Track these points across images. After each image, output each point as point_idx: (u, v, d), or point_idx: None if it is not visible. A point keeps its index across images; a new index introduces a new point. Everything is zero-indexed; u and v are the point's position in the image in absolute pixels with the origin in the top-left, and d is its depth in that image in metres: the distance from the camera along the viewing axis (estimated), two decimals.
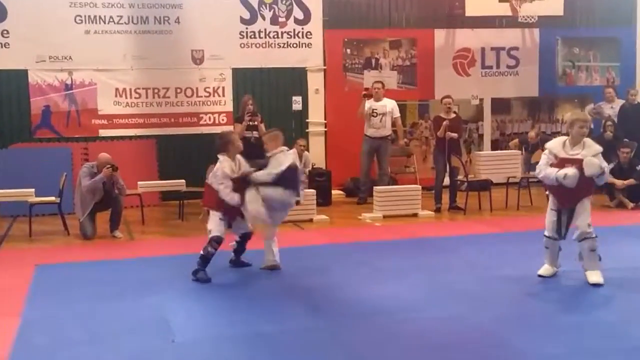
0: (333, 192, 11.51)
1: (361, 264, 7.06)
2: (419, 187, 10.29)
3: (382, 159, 11.09)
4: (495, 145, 13.21)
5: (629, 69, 13.68)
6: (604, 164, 6.10)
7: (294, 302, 5.83)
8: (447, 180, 10.52)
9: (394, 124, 11.22)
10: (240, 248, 6.93)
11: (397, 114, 11.26)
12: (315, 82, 12.45)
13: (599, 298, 5.75)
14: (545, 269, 6.44)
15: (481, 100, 13.21)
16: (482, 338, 4.84)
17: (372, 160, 11.22)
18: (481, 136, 13.17)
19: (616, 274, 6.28)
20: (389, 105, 11.15)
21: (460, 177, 10.61)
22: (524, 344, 4.65)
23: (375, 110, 11.07)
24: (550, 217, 6.37)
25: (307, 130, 12.39)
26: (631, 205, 10.39)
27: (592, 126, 13.68)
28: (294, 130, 12.21)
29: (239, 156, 6.80)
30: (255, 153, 10.41)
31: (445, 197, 10.53)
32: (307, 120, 12.43)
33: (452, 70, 13.02)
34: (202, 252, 6.48)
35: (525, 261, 6.87)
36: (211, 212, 6.69)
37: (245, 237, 6.89)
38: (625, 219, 9.46)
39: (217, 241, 6.51)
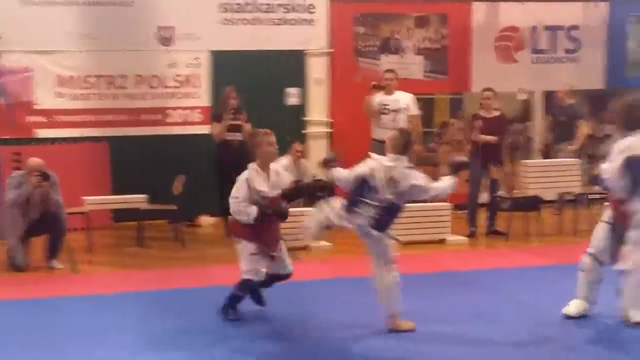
0: None
1: (371, 307, 6.99)
2: (449, 205, 10.26)
3: None
4: (547, 151, 13.16)
5: None
6: None
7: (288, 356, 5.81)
8: (485, 197, 10.46)
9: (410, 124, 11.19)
10: (267, 282, 6.83)
11: (416, 111, 11.11)
12: (317, 70, 12.47)
13: None
14: (574, 305, 6.41)
15: (531, 94, 13.19)
16: None
17: None
18: (529, 140, 13.10)
19: None
20: (404, 99, 11.01)
21: (501, 192, 10.58)
22: None
23: (386, 107, 10.93)
24: (601, 231, 6.33)
25: (305, 132, 12.38)
26: None
27: None
28: (289, 131, 12.12)
29: (275, 165, 6.73)
30: (239, 160, 10.51)
31: (482, 218, 10.47)
32: (305, 118, 12.41)
33: (494, 56, 13.03)
34: (232, 291, 6.59)
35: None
36: (240, 244, 6.58)
37: (278, 278, 6.84)
38: None
39: (247, 286, 6.56)
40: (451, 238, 10.03)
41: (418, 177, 6.12)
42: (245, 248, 6.48)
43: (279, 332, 6.41)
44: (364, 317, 6.69)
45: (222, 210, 10.78)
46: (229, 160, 10.43)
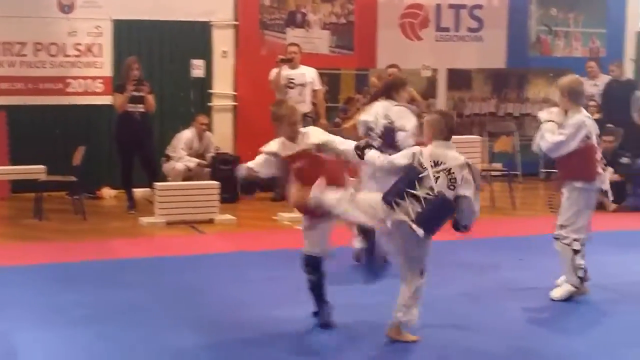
0: None
1: (273, 280, 7.04)
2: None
3: None
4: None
5: (616, 38, 14.09)
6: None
7: (183, 325, 5.80)
8: None
9: (313, 98, 11.26)
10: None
11: (319, 85, 11.32)
12: (222, 42, 12.33)
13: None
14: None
15: (434, 71, 13.36)
16: None
17: None
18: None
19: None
20: (309, 74, 11.13)
21: None
22: None
23: (292, 81, 11.01)
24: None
25: (210, 104, 12.27)
26: (613, 206, 10.65)
27: None
28: (193, 103, 12.11)
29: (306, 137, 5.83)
30: (140, 132, 10.38)
31: None
32: (210, 91, 12.30)
33: (399, 33, 13.12)
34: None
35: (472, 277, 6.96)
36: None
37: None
38: (606, 224, 9.72)
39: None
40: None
41: (470, 180, 5.22)
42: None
43: (179, 302, 6.39)
44: (262, 289, 6.74)
45: (124, 182, 10.65)
46: (129, 132, 10.31)
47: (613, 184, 10.56)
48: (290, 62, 11.00)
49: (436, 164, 5.13)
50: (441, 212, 5.20)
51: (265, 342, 5.51)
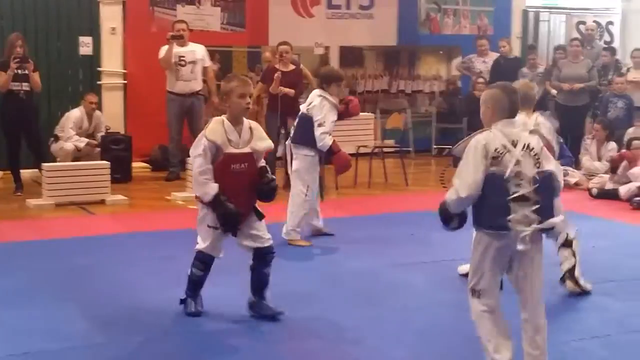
0: (134, 164, 11.29)
1: (165, 260, 6.94)
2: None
3: (195, 122, 10.95)
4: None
5: (504, 16, 14.38)
6: None
7: (72, 309, 5.68)
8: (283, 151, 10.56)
9: (204, 76, 11.16)
10: (256, 279, 5.48)
11: (209, 62, 11.23)
12: (111, 19, 12.03)
13: None
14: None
15: (327, 49, 13.36)
16: (319, 348, 4.90)
17: (184, 123, 11.06)
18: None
19: None
20: (199, 51, 11.05)
21: None
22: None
23: (182, 58, 10.90)
24: None
25: (99, 83, 11.97)
26: None
27: (460, 84, 14.37)
28: (82, 82, 11.82)
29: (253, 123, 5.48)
30: (25, 112, 10.04)
31: (281, 170, 10.57)
32: (99, 69, 12.00)
33: (291, 10, 13.06)
34: (188, 273, 5.54)
35: (379, 251, 7.09)
36: (199, 208, 5.45)
37: (261, 257, 5.45)
38: None
39: (202, 260, 5.43)
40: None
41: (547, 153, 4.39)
42: (203, 217, 5.38)
43: (68, 285, 6.24)
44: (155, 270, 6.67)
45: (10, 163, 10.30)
46: (14, 111, 9.98)
47: None
48: (180, 39, 10.87)
49: (514, 144, 4.21)
50: (553, 193, 4.30)
51: (157, 323, 5.42)
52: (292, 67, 10.52)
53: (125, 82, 12.14)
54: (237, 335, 5.25)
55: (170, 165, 11.14)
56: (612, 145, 10.79)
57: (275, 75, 10.11)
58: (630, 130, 11.00)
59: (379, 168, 10.95)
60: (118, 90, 12.15)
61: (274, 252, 5.48)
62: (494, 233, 4.19)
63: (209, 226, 5.33)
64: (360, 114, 11.71)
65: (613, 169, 10.09)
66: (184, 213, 9.05)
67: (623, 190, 9.63)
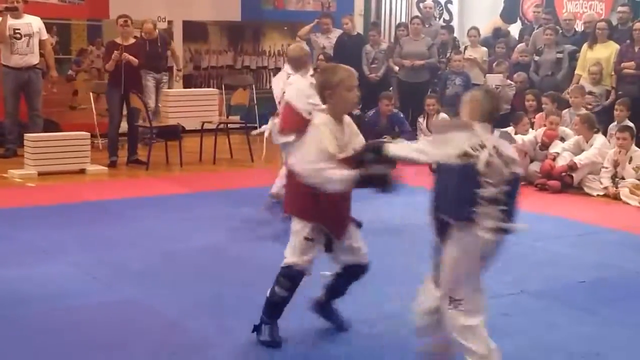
0: None
1: (2, 238, 6.70)
2: (88, 134, 10.05)
3: (33, 96, 10.61)
4: (189, 81, 13.28)
5: None
6: None
7: None
8: (125, 127, 10.37)
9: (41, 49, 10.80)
10: (336, 286, 4.82)
11: (46, 35, 10.88)
12: None
13: None
14: None
15: (170, 23, 13.14)
16: (160, 325, 4.91)
17: (20, 98, 10.66)
18: (170, 69, 13.10)
19: None
20: (35, 23, 10.68)
21: (142, 122, 10.53)
22: (207, 329, 4.81)
23: (17, 31, 10.50)
24: None
25: None
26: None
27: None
28: None
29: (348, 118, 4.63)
30: None
31: (124, 148, 10.40)
32: None
33: None
34: (267, 294, 4.66)
35: (216, 230, 7.11)
36: (293, 221, 4.66)
37: (355, 274, 4.77)
38: None
39: (290, 277, 4.56)
40: (91, 168, 9.80)
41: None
42: (298, 230, 4.55)
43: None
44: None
45: None
46: None
47: None
48: (15, 11, 10.46)
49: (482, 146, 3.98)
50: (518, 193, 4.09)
51: None
52: (132, 40, 10.33)
53: None
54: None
55: (6, 142, 10.72)
56: (443, 115, 11.02)
57: (114, 55, 9.93)
58: None
59: (224, 144, 10.91)
60: None
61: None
62: None
63: (306, 239, 4.52)
64: (205, 89, 11.74)
65: None
66: (22, 190, 8.82)
67: None
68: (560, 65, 11.28)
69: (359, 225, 4.68)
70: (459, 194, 3.98)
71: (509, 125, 9.97)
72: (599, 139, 9.36)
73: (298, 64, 7.44)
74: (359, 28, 13.93)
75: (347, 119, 4.54)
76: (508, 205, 3.96)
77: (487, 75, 11.81)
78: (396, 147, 4.26)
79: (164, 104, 11.01)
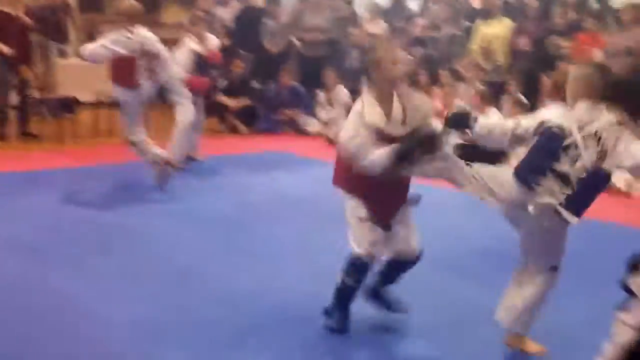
0: None
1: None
2: None
3: None
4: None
5: None
6: None
7: None
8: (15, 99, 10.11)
9: None
10: (392, 277, 4.61)
11: None
12: None
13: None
14: None
15: None
16: (55, 304, 4.81)
17: None
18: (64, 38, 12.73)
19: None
20: None
21: (33, 93, 10.30)
22: (107, 309, 4.74)
23: None
24: None
25: None
26: (245, 130, 11.11)
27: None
28: None
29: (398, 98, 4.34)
30: None
31: (13, 120, 10.13)
32: None
33: None
34: (337, 283, 4.45)
35: (112, 202, 7.12)
36: (347, 202, 4.41)
37: (406, 266, 4.54)
38: (240, 147, 10.12)
39: (359, 269, 4.35)
40: None
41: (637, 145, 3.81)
42: (354, 213, 4.34)
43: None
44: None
45: None
46: None
47: (246, 110, 11.10)
48: None
49: (581, 128, 3.84)
50: (597, 191, 3.95)
51: None
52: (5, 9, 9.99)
53: None
54: None
55: None
56: (342, 88, 11.07)
57: None
58: None
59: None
60: None
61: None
62: None
63: (360, 219, 4.30)
64: None
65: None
66: None
67: None
68: (457, 41, 11.45)
69: (416, 201, 4.41)
70: (531, 159, 3.94)
71: None
72: (492, 112, 9.55)
73: None
74: (260, 1, 13.80)
75: (408, 96, 4.30)
76: (578, 196, 3.85)
77: None
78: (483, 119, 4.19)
79: (56, 75, 10.77)
